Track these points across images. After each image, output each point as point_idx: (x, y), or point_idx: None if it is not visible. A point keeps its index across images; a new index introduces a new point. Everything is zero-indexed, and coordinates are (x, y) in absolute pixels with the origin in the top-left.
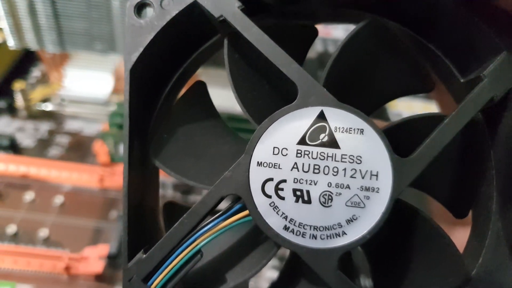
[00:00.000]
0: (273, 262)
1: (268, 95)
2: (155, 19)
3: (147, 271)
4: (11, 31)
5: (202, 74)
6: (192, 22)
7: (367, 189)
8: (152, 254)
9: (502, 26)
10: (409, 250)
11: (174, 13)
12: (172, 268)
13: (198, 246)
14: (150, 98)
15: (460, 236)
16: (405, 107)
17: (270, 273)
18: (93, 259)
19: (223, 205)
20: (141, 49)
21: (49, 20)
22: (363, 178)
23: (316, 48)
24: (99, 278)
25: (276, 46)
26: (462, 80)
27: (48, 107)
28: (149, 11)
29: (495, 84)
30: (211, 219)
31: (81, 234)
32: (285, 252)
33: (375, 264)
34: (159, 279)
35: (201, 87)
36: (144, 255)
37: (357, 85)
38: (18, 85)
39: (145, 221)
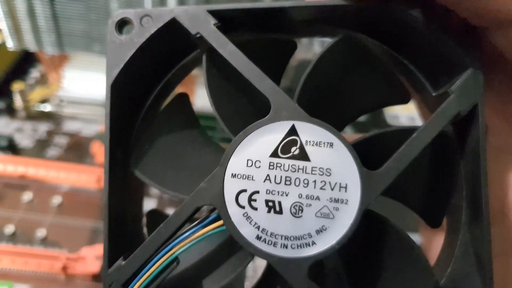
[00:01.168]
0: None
1: (245, 109)
2: (135, 36)
3: (126, 277)
4: (10, 32)
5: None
6: (172, 38)
7: (336, 200)
8: (131, 261)
9: (468, 43)
10: (381, 259)
11: (153, 30)
12: (150, 275)
13: (175, 254)
14: (132, 110)
15: (440, 242)
16: (402, 109)
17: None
18: (90, 259)
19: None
20: (121, 65)
21: (48, 22)
22: (332, 190)
23: (314, 49)
24: (96, 278)
25: (250, 62)
26: (433, 94)
27: (47, 108)
28: (129, 29)
29: (461, 99)
30: (187, 228)
31: (78, 234)
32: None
33: (349, 272)
34: (137, 285)
35: (183, 98)
36: (123, 262)
37: (332, 99)
38: (17, 86)
39: (127, 229)
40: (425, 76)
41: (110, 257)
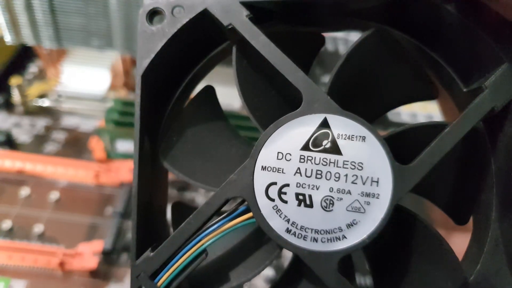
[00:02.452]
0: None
1: (275, 101)
2: (166, 26)
3: (154, 269)
4: (7, 27)
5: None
6: (202, 29)
7: (368, 195)
8: (159, 252)
9: (504, 37)
10: (409, 255)
11: (184, 21)
12: (178, 266)
13: (203, 246)
14: (160, 102)
15: (459, 242)
16: (405, 106)
17: (265, 270)
18: (88, 255)
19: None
20: (152, 55)
21: (45, 16)
22: (364, 184)
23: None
24: (93, 274)
25: (282, 54)
26: (464, 90)
27: (45, 103)
28: (160, 19)
29: (496, 95)
30: (216, 220)
31: (76, 230)
32: (282, 252)
33: (375, 267)
34: (165, 276)
35: (209, 91)
36: (151, 253)
37: (362, 93)
38: (14, 81)
39: (153, 220)
40: (456, 71)
41: (138, 248)
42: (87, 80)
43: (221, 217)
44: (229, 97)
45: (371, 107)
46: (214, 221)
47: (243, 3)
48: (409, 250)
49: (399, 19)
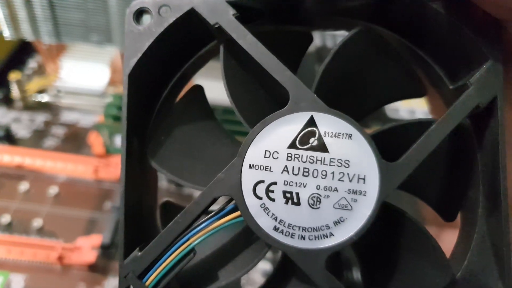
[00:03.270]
0: (266, 254)
1: (262, 100)
2: (153, 26)
3: (142, 268)
4: (6, 22)
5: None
6: (190, 28)
7: (355, 192)
8: (147, 252)
9: (488, 35)
10: (397, 252)
11: (171, 20)
12: (166, 266)
13: (191, 245)
14: (148, 101)
15: (450, 239)
16: (403, 102)
17: (262, 265)
18: (86, 249)
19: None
20: (139, 55)
21: (44, 11)
22: (350, 181)
23: (315, 42)
24: (92, 268)
25: (269, 53)
26: (450, 87)
27: (44, 98)
28: (147, 18)
29: (480, 91)
30: (204, 219)
31: (75, 224)
32: None
33: (365, 264)
34: (153, 276)
35: (198, 90)
36: (139, 253)
37: (350, 91)
38: (13, 76)
39: (142, 220)
40: (443, 69)
41: (126, 248)
42: (86, 75)
43: (209, 216)
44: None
45: (359, 105)
46: (202, 220)
47: (229, 2)
48: (398, 247)
49: (385, 17)
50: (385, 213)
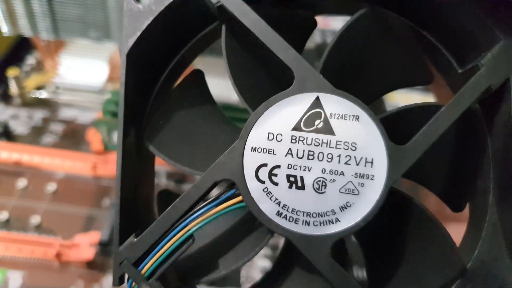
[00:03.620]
0: (265, 251)
1: (265, 83)
2: (153, 4)
3: (138, 255)
4: (4, 17)
5: (199, 62)
6: (191, 8)
7: (362, 176)
8: (144, 238)
9: (500, 15)
10: (404, 241)
11: None
12: (163, 253)
13: (190, 231)
14: (146, 84)
15: (453, 232)
16: (403, 99)
17: (262, 262)
18: (84, 246)
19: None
20: (138, 33)
21: (42, 6)
22: (357, 165)
23: (315, 39)
24: (90, 265)
25: (274, 32)
26: (460, 71)
27: (43, 94)
28: None
29: (492, 73)
30: (203, 204)
31: (73, 221)
32: (278, 241)
33: (369, 254)
34: (150, 263)
35: (198, 75)
36: (135, 239)
37: (355, 75)
38: (11, 72)
39: (138, 208)
40: (452, 53)
41: (122, 234)
42: (85, 71)
43: (208, 200)
44: (228, 89)
45: (364, 89)
46: (201, 205)
47: None
48: (405, 236)
49: (393, 0)
50: (392, 200)
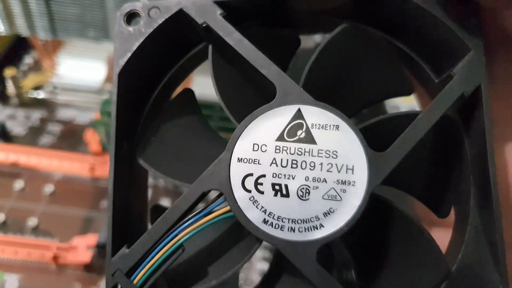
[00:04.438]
0: (264, 253)
1: (251, 98)
2: (143, 26)
3: (130, 265)
4: (1, 17)
5: None
6: (179, 30)
7: (343, 182)
8: (135, 248)
9: (468, 26)
10: (390, 246)
11: (160, 21)
12: (154, 263)
13: (180, 241)
14: (138, 102)
15: (441, 238)
16: (403, 99)
17: (260, 265)
18: (82, 248)
19: None
20: (129, 54)
21: (40, 6)
22: (339, 172)
23: (315, 38)
24: (87, 268)
25: (256, 49)
26: (436, 81)
27: (40, 94)
28: (137, 20)
29: (464, 81)
30: (192, 215)
31: (70, 223)
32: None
33: (357, 260)
34: (142, 273)
35: (188, 94)
36: (127, 250)
37: (336, 89)
38: (9, 72)
39: (131, 222)
40: (428, 64)
41: (114, 246)
42: (83, 71)
43: (197, 211)
44: None
45: (347, 103)
46: (190, 216)
47: (216, 3)
48: (390, 240)
49: (370, 15)
50: (376, 207)
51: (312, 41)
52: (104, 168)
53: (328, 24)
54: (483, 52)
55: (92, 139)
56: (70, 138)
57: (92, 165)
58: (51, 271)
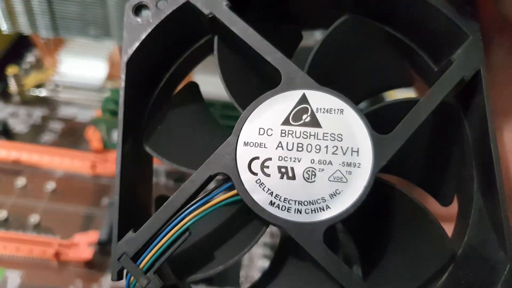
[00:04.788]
0: (265, 251)
1: (255, 85)
2: (150, 17)
3: (136, 249)
4: (3, 15)
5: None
6: (185, 21)
7: (349, 164)
8: (141, 232)
9: (464, 13)
10: (394, 230)
11: (168, 12)
12: (161, 247)
13: (186, 225)
14: (144, 92)
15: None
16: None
17: (261, 262)
18: (83, 245)
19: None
20: (137, 44)
21: (42, 4)
22: (344, 154)
23: (315, 36)
24: (88, 264)
25: (261, 37)
26: (436, 69)
27: (42, 92)
28: (145, 12)
29: (464, 65)
30: (199, 198)
31: (72, 220)
32: (276, 240)
33: (362, 247)
34: (148, 257)
35: (193, 87)
36: (133, 234)
37: (338, 79)
38: (11, 70)
39: (136, 209)
40: (427, 54)
41: (120, 230)
42: (84, 69)
43: (204, 194)
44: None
45: (348, 92)
46: (197, 199)
47: None
48: (394, 224)
49: (370, 7)
50: (380, 191)
51: (312, 39)
52: (105, 166)
53: (329, 18)
54: (481, 38)
55: (93, 136)
56: (72, 136)
57: (93, 162)
58: (52, 267)
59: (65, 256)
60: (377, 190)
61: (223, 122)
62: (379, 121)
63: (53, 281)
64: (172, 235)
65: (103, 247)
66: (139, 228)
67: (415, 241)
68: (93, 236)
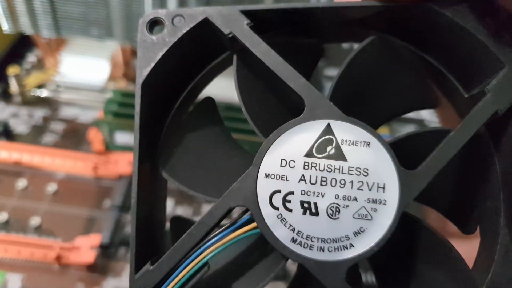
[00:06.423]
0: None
1: (276, 110)
2: (166, 35)
3: (154, 283)
4: (5, 14)
5: None
6: (203, 39)
7: (374, 201)
8: (160, 265)
9: (502, 41)
10: (416, 264)
11: (185, 30)
12: (179, 281)
13: (205, 258)
14: (160, 112)
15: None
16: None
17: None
18: (85, 248)
19: None
20: (152, 64)
21: (44, 4)
22: (370, 190)
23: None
24: (90, 268)
25: (283, 61)
26: (466, 95)
27: (43, 93)
28: (160, 29)
29: (498, 98)
30: (218, 231)
31: (73, 223)
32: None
33: (382, 278)
34: None
35: (209, 102)
36: (151, 267)
37: (363, 100)
38: (12, 70)
39: (152, 233)
40: (457, 77)
41: (137, 262)
42: (86, 70)
43: (223, 227)
44: (229, 89)
45: (372, 115)
46: (216, 232)
47: (243, 12)
48: (417, 258)
49: (398, 26)
50: (403, 224)
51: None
52: (107, 168)
53: (352, 34)
54: None
55: (96, 138)
56: (73, 137)
57: (95, 164)
58: (54, 271)
59: (67, 260)
60: (402, 223)
61: (229, 125)
62: (405, 151)
63: (55, 285)
64: (190, 269)
65: (105, 250)
66: (156, 257)
67: (438, 276)
68: (95, 239)
